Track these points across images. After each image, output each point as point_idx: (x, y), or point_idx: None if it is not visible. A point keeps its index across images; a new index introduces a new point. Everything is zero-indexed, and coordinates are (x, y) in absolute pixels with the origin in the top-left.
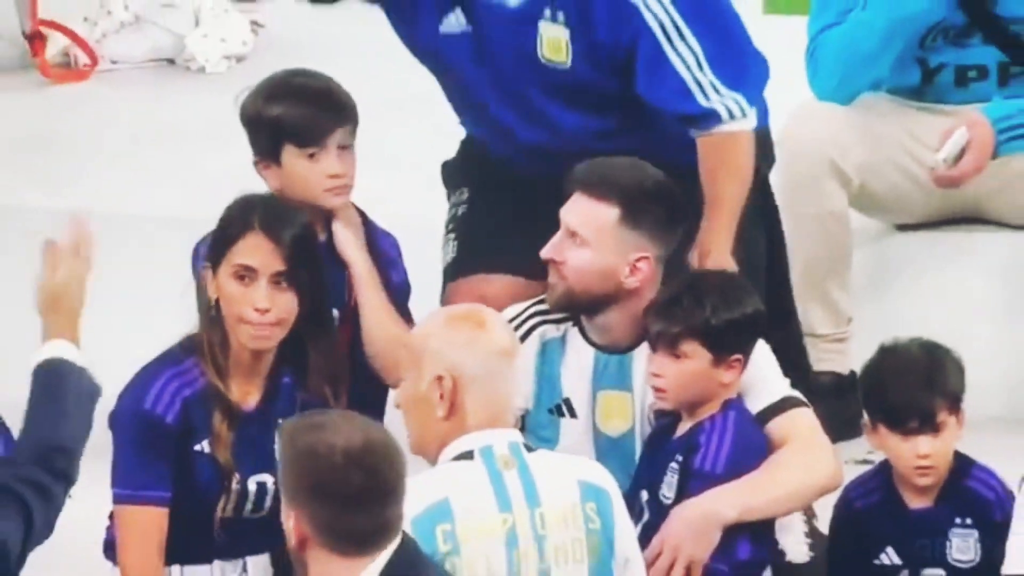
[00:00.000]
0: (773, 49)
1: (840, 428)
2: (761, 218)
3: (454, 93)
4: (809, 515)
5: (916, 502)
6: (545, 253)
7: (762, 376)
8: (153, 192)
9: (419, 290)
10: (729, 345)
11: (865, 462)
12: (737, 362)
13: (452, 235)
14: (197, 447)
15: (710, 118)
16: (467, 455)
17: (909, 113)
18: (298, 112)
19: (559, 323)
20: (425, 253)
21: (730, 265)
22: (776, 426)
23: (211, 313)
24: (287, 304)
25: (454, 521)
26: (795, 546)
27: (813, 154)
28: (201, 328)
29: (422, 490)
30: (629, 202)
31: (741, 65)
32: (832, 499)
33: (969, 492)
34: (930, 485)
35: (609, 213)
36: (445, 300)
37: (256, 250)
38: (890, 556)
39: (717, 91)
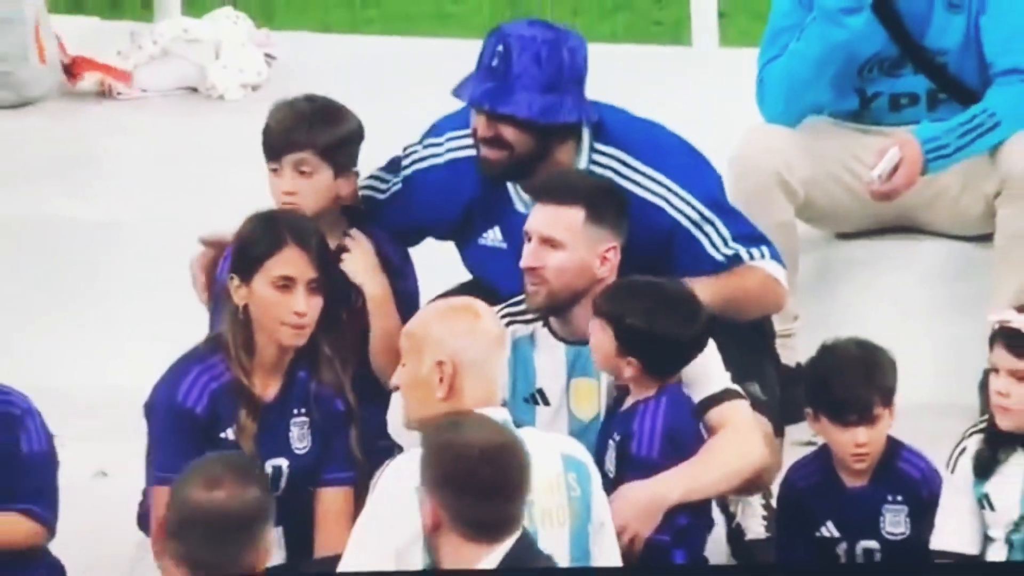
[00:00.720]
0: (728, 78)
1: (788, 414)
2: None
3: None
4: (767, 496)
5: (852, 482)
6: (525, 263)
7: (705, 369)
8: (177, 205)
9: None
10: (628, 345)
11: (809, 443)
12: (632, 363)
13: None
14: (223, 435)
15: (736, 259)
16: None
17: (849, 134)
18: (270, 128)
19: (528, 323)
20: (434, 258)
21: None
22: (715, 414)
23: (239, 317)
24: (317, 305)
25: None
26: (754, 525)
27: (763, 170)
28: (226, 330)
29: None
30: (591, 202)
31: (758, 235)
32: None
33: (900, 473)
34: (865, 468)
35: (576, 215)
36: None
37: (294, 262)
38: (830, 530)
39: (742, 248)
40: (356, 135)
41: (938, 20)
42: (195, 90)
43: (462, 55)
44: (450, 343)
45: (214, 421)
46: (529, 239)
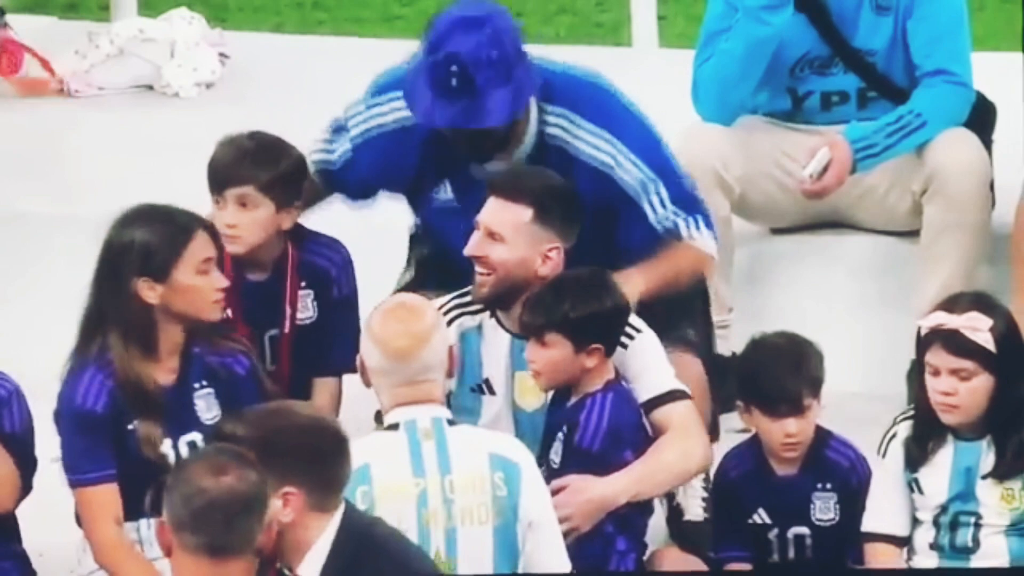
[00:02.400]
0: (667, 78)
1: (723, 401)
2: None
3: (436, 243)
4: (707, 480)
5: (783, 470)
6: (469, 251)
7: (651, 368)
8: (135, 199)
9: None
10: (588, 335)
11: (743, 431)
12: (597, 350)
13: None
14: (130, 426)
15: (675, 231)
16: (394, 426)
17: (782, 133)
18: (215, 162)
19: (475, 314)
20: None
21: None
22: (660, 414)
23: (148, 318)
24: (225, 277)
25: (372, 484)
26: (693, 506)
27: (700, 167)
28: (123, 333)
29: (359, 451)
30: (540, 203)
31: (695, 200)
32: None
33: (828, 461)
34: (795, 457)
35: (523, 213)
36: None
37: (208, 243)
38: (762, 516)
39: (681, 217)
40: (298, 170)
41: (866, 21)
42: (151, 88)
43: (410, 56)
44: (362, 344)
45: (117, 416)
46: (478, 229)
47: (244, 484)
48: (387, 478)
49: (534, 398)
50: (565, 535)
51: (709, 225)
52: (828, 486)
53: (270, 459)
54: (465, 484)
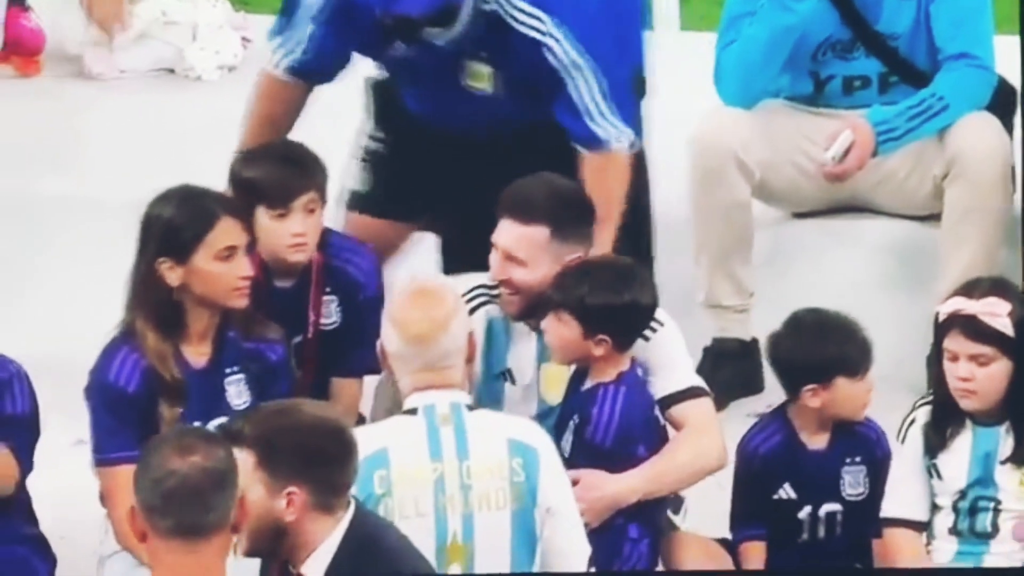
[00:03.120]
0: (689, 61)
1: (744, 386)
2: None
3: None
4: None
5: (814, 444)
6: (492, 276)
7: (671, 363)
8: (155, 182)
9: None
10: (598, 324)
11: (760, 415)
12: (603, 341)
13: (363, 165)
14: (161, 409)
15: (600, 142)
16: (412, 411)
17: (803, 117)
18: (270, 176)
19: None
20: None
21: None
22: (678, 411)
23: (171, 299)
24: (252, 265)
25: (390, 468)
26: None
27: (721, 151)
28: (148, 315)
29: (366, 440)
30: (556, 220)
31: (628, 101)
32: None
33: (856, 434)
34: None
35: (540, 233)
36: (343, 223)
37: (232, 231)
38: (787, 492)
39: (608, 120)
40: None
41: (889, 5)
42: (172, 71)
43: None
44: (383, 328)
45: (149, 397)
46: (495, 250)
47: (212, 461)
48: (405, 463)
49: (558, 392)
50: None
51: (637, 133)
52: (858, 459)
53: (273, 458)
54: (483, 469)
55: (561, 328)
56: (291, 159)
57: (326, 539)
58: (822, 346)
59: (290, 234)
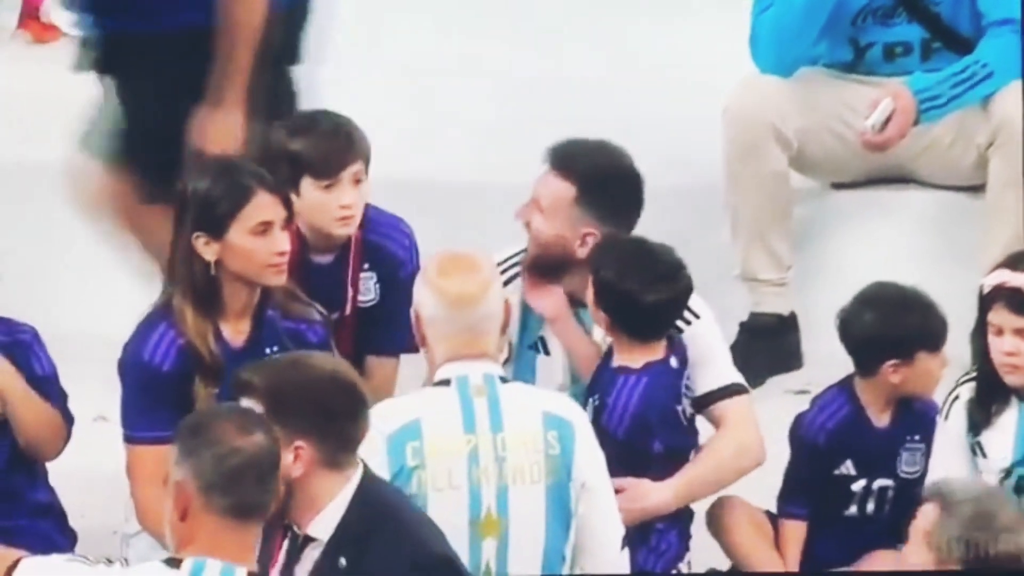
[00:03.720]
0: (723, 27)
1: (782, 362)
2: None
3: None
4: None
5: (880, 421)
6: (516, 216)
7: (708, 357)
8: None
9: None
10: (599, 299)
11: (802, 392)
12: (602, 318)
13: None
14: (196, 387)
15: None
16: (445, 382)
17: (842, 84)
18: (318, 147)
19: None
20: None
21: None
22: (717, 408)
23: (209, 274)
24: (289, 241)
25: (423, 439)
26: None
27: (757, 121)
28: (186, 290)
29: (399, 411)
30: (585, 184)
31: None
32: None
33: (917, 411)
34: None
35: (567, 191)
36: None
37: (268, 206)
38: (848, 468)
39: None
40: None
41: None
42: None
43: None
44: (417, 294)
45: (184, 376)
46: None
47: (271, 442)
48: (438, 434)
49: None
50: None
51: None
52: (917, 438)
53: (282, 410)
54: (517, 442)
55: (589, 287)
56: (337, 130)
57: (334, 499)
58: (906, 319)
59: (338, 206)
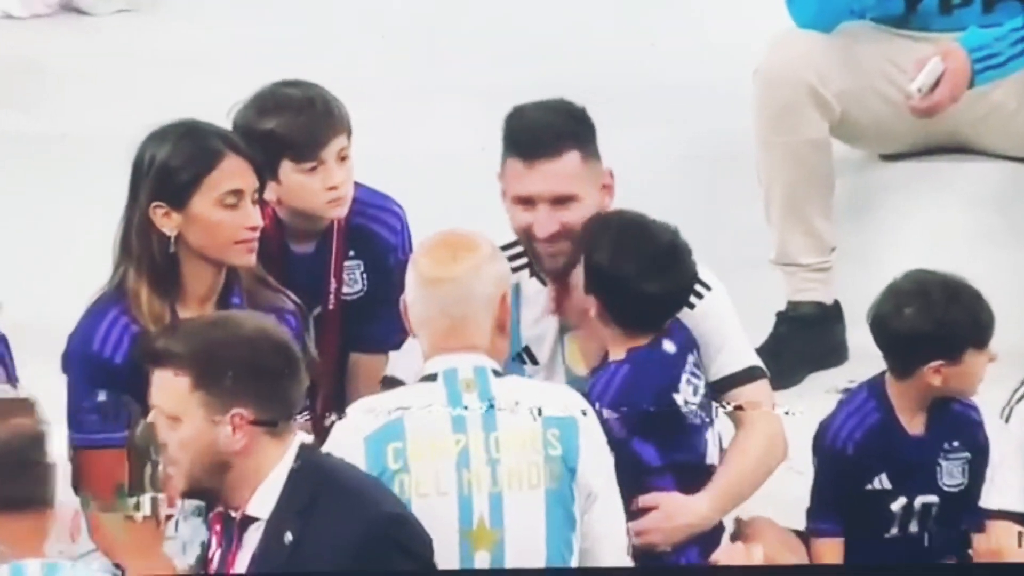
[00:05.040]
0: None
1: (824, 357)
2: None
3: None
4: None
5: (912, 427)
6: (545, 232)
7: (722, 337)
8: (129, 117)
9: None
10: (588, 281)
11: (844, 391)
12: (593, 302)
13: None
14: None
15: None
16: (431, 377)
17: (892, 40)
18: (295, 125)
19: (513, 271)
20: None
21: None
22: (737, 395)
23: (167, 251)
24: (260, 216)
25: (406, 440)
26: None
27: (793, 81)
28: (142, 269)
29: (378, 409)
30: (579, 136)
31: None
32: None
33: (954, 413)
34: None
35: (574, 160)
36: None
37: (239, 172)
38: (882, 481)
39: None
40: None
41: None
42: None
43: None
44: (407, 276)
45: (139, 369)
46: (532, 204)
47: (31, 426)
48: (423, 434)
49: (584, 362)
50: (640, 549)
51: None
52: (956, 444)
53: (213, 376)
54: (513, 442)
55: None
56: (313, 102)
57: (271, 471)
58: (953, 314)
59: (325, 188)
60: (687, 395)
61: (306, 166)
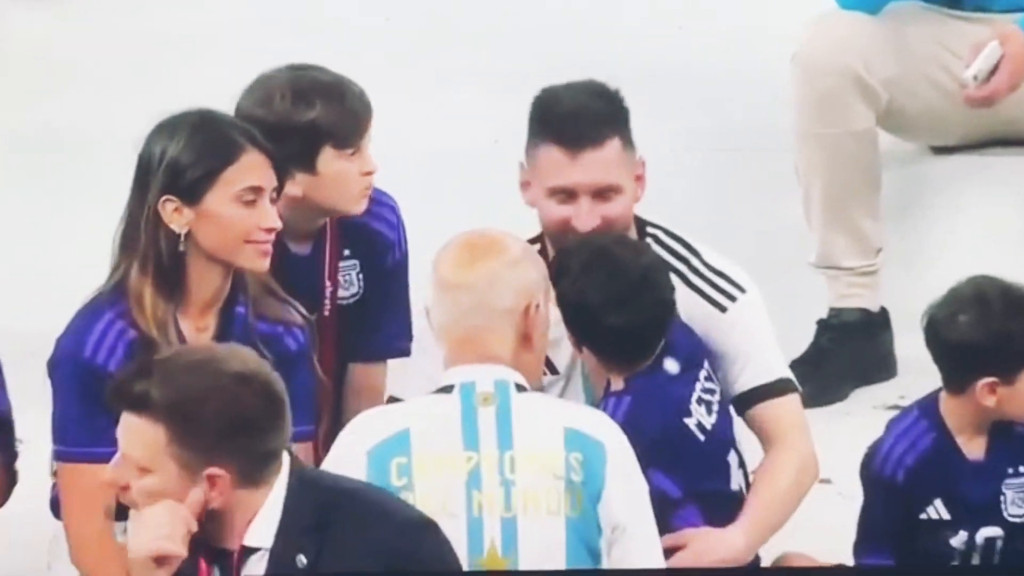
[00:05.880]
0: None
1: (870, 370)
2: None
3: None
4: None
5: (972, 451)
6: (586, 225)
7: (758, 346)
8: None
9: None
10: (570, 323)
11: (895, 408)
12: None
13: None
14: None
15: None
16: (447, 388)
17: (944, 22)
18: (340, 111)
19: None
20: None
21: None
22: (765, 411)
23: (177, 250)
24: (277, 218)
25: (411, 454)
26: None
27: (835, 68)
28: (147, 268)
29: (384, 421)
30: (621, 127)
31: None
32: None
33: (1021, 438)
34: None
35: (614, 146)
36: None
37: (259, 168)
38: (938, 510)
39: None
40: None
41: None
42: None
43: None
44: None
45: None
46: (571, 196)
47: None
48: (430, 449)
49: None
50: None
51: None
52: (1022, 469)
53: (191, 430)
54: (529, 462)
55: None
56: (350, 89)
57: (261, 507)
58: (1013, 327)
59: (361, 173)
60: (700, 416)
61: (348, 152)
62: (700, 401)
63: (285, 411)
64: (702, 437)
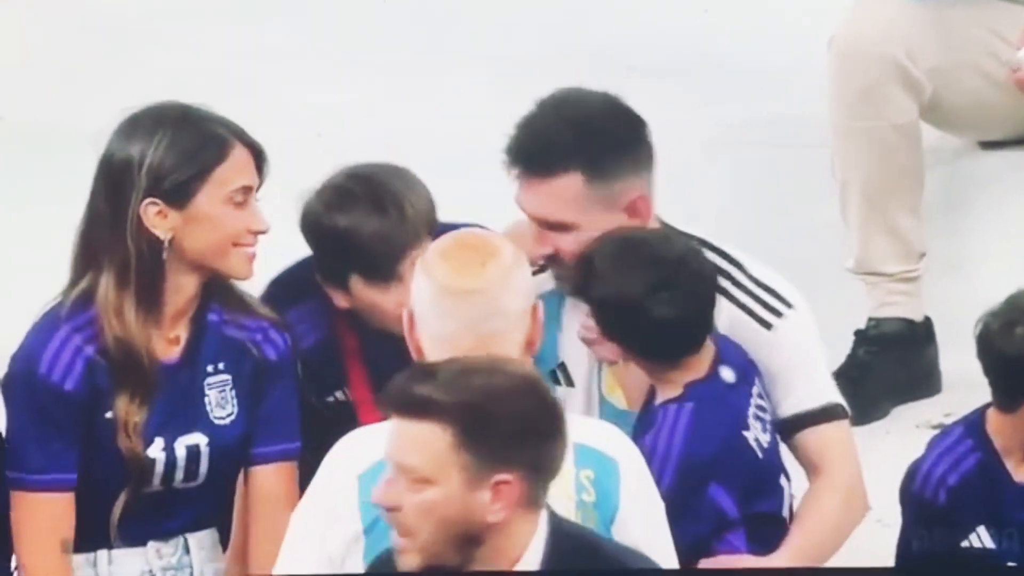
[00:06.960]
0: None
1: (913, 385)
2: None
3: None
4: None
5: (1020, 474)
6: (533, 256)
7: (806, 367)
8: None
9: None
10: (607, 325)
11: (940, 426)
12: (618, 349)
13: None
14: (108, 414)
15: None
16: None
17: (992, 5)
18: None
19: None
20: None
21: None
22: (811, 438)
23: (160, 256)
24: (264, 219)
25: None
26: None
27: (875, 57)
28: (126, 277)
29: (376, 442)
30: (586, 159)
31: None
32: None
33: None
34: None
35: (572, 183)
36: None
37: (247, 167)
38: (981, 538)
39: None
40: None
41: None
42: None
43: None
44: (413, 285)
45: (93, 399)
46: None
47: None
48: None
49: (623, 394)
50: None
51: None
52: None
53: (481, 433)
54: None
55: (586, 325)
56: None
57: (529, 543)
58: None
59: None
60: (756, 432)
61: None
62: (756, 416)
63: (564, 422)
64: (760, 454)
